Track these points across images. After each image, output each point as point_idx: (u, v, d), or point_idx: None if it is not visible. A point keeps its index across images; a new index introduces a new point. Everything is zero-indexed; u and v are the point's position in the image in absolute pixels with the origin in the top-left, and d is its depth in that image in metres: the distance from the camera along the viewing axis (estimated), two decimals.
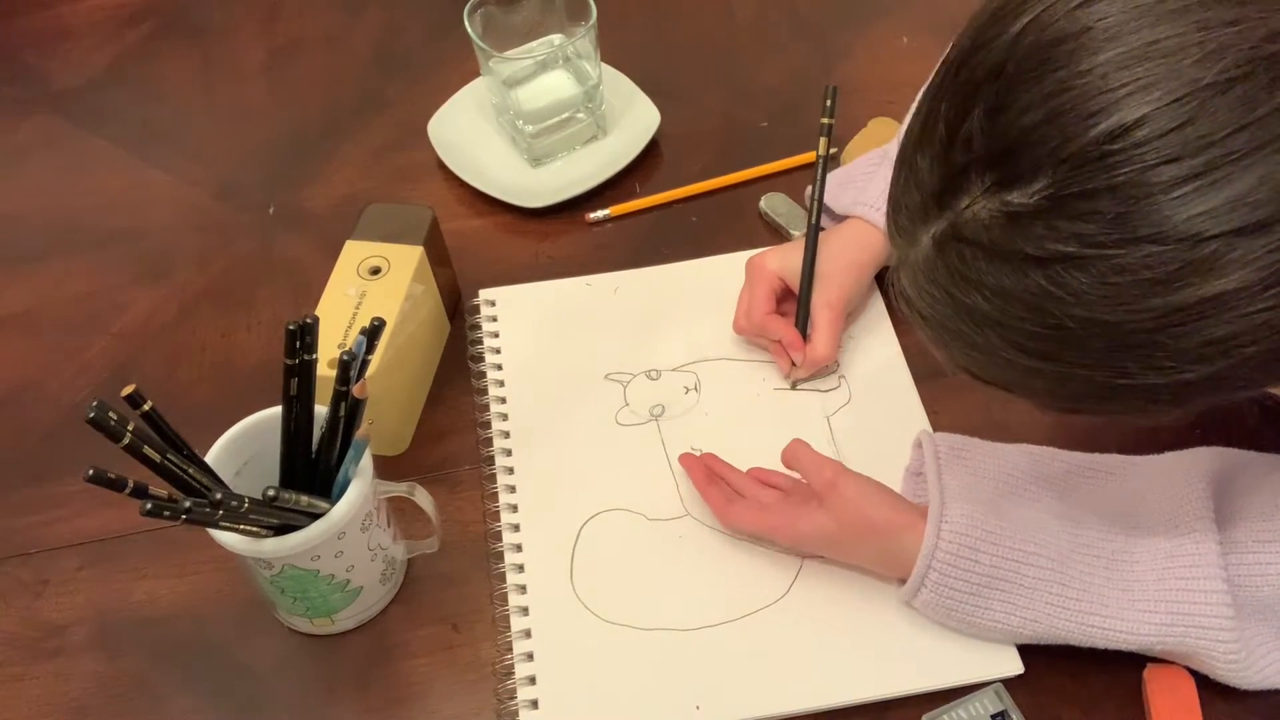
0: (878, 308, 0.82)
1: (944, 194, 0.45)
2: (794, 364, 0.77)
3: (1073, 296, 0.43)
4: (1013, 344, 0.46)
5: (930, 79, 0.48)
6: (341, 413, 0.63)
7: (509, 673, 0.67)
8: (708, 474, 0.72)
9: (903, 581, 0.64)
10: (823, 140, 0.81)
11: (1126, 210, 0.40)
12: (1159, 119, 0.40)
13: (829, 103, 0.82)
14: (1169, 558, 0.59)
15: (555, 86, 0.91)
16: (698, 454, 0.74)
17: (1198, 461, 0.63)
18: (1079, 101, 0.41)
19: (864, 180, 0.81)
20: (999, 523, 0.62)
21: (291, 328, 0.60)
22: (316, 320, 0.61)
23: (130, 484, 0.56)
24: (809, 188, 0.82)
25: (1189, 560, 0.59)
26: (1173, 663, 0.63)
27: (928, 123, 0.46)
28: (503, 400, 0.79)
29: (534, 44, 0.92)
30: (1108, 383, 0.45)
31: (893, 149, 0.82)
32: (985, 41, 0.44)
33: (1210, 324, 0.42)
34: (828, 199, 0.81)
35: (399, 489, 0.67)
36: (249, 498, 0.58)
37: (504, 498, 0.74)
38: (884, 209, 0.76)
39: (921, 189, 0.47)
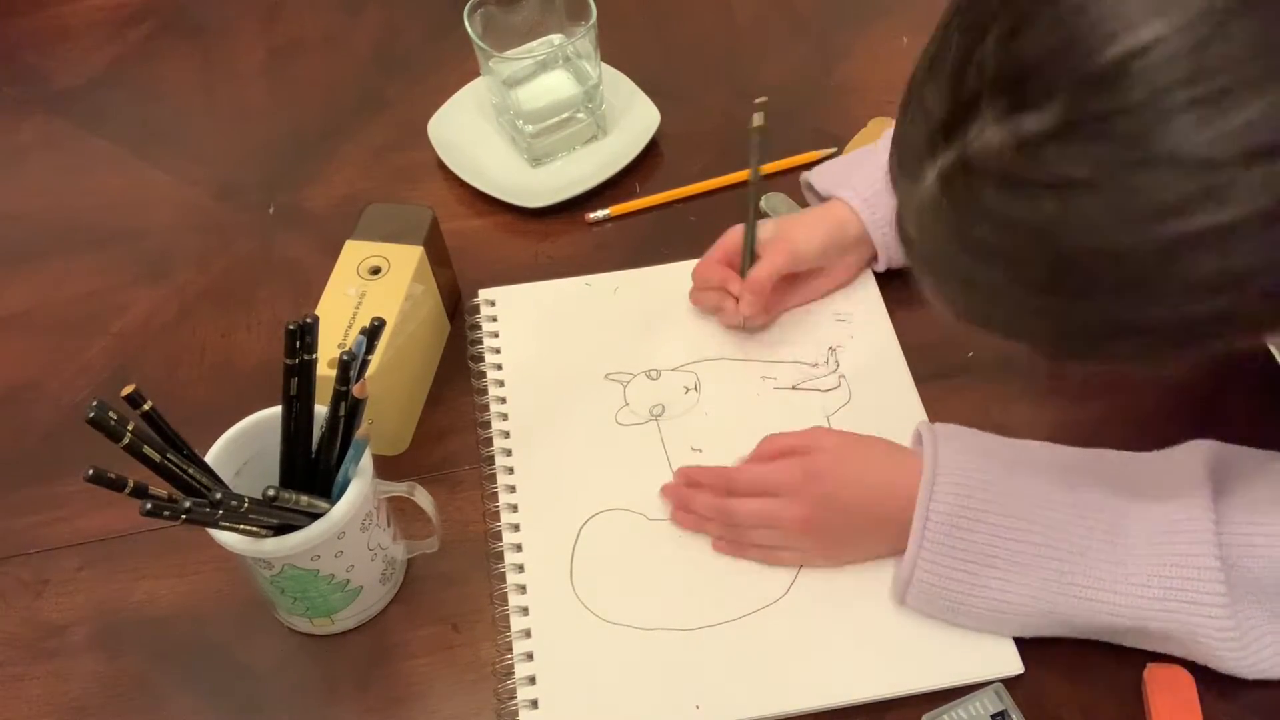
0: (878, 309, 0.82)
1: (952, 124, 0.45)
2: (738, 302, 0.77)
3: (1084, 224, 0.42)
4: (1018, 279, 0.45)
5: (942, 15, 0.47)
6: (341, 413, 0.63)
7: (509, 673, 0.67)
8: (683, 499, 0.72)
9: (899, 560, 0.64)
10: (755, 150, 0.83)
11: (1142, 131, 0.40)
12: (1175, 41, 0.39)
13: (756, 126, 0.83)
14: (1164, 532, 0.60)
15: (555, 86, 0.91)
16: (699, 453, 0.74)
17: (1197, 449, 0.64)
18: (1095, 23, 0.40)
19: (851, 168, 0.82)
20: (994, 492, 0.62)
21: (291, 328, 0.60)
22: (316, 320, 0.61)
23: (130, 484, 0.56)
24: (802, 174, 0.85)
25: (1184, 534, 0.59)
26: (1173, 662, 0.63)
27: (939, 53, 0.46)
28: (503, 400, 0.79)
29: (534, 44, 0.92)
30: (1113, 319, 0.45)
31: (883, 143, 0.82)
32: None
33: (1222, 253, 0.41)
34: (815, 182, 0.84)
35: (399, 489, 0.67)
36: (249, 497, 0.58)
37: (504, 498, 0.74)
38: (866, 195, 0.78)
39: (929, 121, 0.46)
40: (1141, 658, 0.64)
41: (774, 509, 0.68)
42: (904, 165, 0.49)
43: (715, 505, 0.70)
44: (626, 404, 0.78)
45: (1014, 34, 0.42)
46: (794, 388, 0.78)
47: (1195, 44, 0.39)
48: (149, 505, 0.55)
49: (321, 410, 0.64)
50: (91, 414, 0.54)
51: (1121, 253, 0.42)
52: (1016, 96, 0.42)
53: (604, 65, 0.94)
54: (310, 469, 0.65)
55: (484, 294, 0.85)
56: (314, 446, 0.65)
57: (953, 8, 0.46)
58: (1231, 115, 0.39)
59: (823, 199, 0.82)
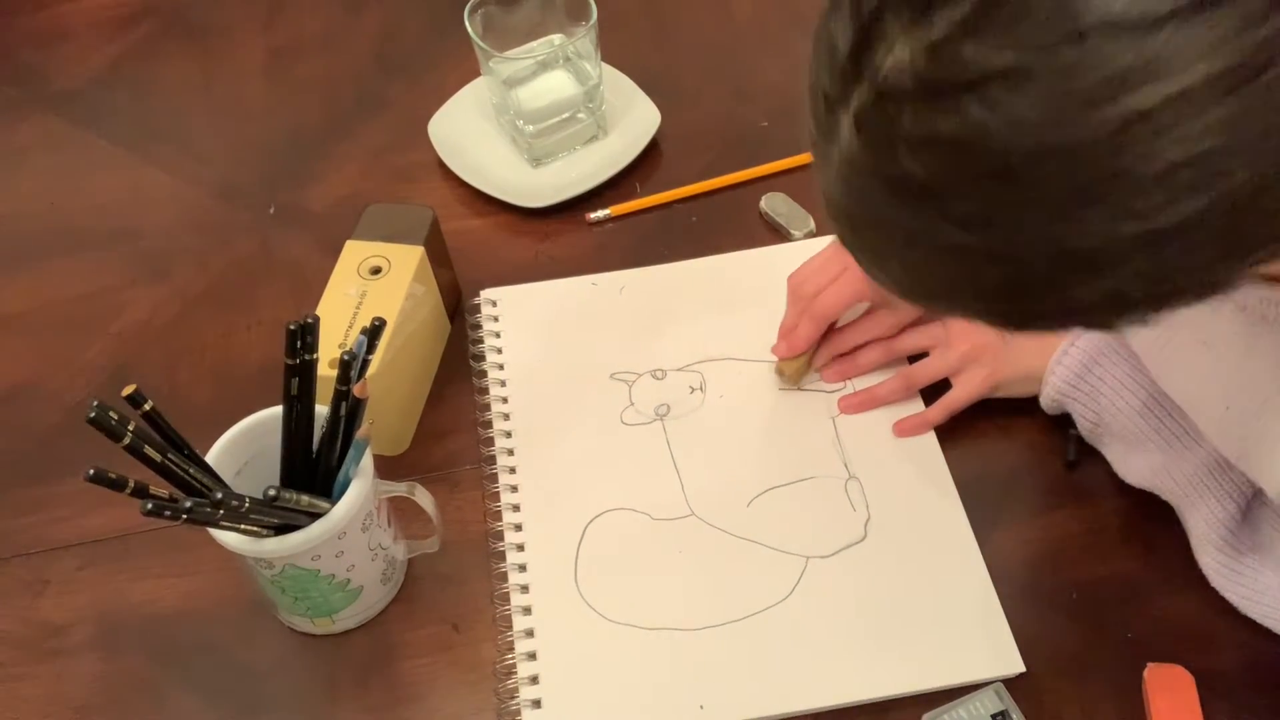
0: None
1: (859, 51, 0.40)
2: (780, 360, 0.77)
3: (1015, 122, 0.36)
4: (953, 219, 0.39)
5: None
6: (342, 413, 0.63)
7: (510, 672, 0.67)
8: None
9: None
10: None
11: (1062, 2, 0.35)
12: None
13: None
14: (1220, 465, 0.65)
15: (555, 86, 0.91)
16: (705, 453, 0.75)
17: None
18: None
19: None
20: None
21: (292, 328, 0.60)
22: (317, 320, 0.61)
23: (131, 484, 0.56)
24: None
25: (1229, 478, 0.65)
26: (1173, 663, 0.63)
27: None
28: (504, 400, 0.79)
29: (534, 44, 0.92)
30: (1073, 250, 0.38)
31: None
32: None
33: (1179, 136, 0.35)
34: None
35: (399, 489, 0.67)
36: (249, 497, 0.58)
37: (506, 497, 0.74)
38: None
39: (835, 59, 0.42)
40: (1141, 658, 0.64)
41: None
42: (818, 120, 0.44)
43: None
44: (632, 404, 0.78)
45: None
46: (799, 388, 0.78)
47: None
48: (150, 505, 0.55)
49: (322, 410, 0.64)
50: (92, 414, 0.54)
51: (1065, 149, 0.36)
52: (921, 1, 0.38)
53: (604, 65, 0.94)
54: (311, 469, 0.65)
55: (485, 294, 0.85)
56: (314, 446, 0.65)
57: None
58: None
59: None
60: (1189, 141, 0.35)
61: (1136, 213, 0.37)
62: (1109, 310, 0.41)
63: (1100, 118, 0.35)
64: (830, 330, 0.77)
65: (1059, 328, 0.44)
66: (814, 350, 0.77)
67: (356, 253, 0.77)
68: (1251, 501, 0.65)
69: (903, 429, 0.75)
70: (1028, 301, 0.42)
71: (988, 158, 0.37)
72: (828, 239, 0.86)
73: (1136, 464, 0.69)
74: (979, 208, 0.39)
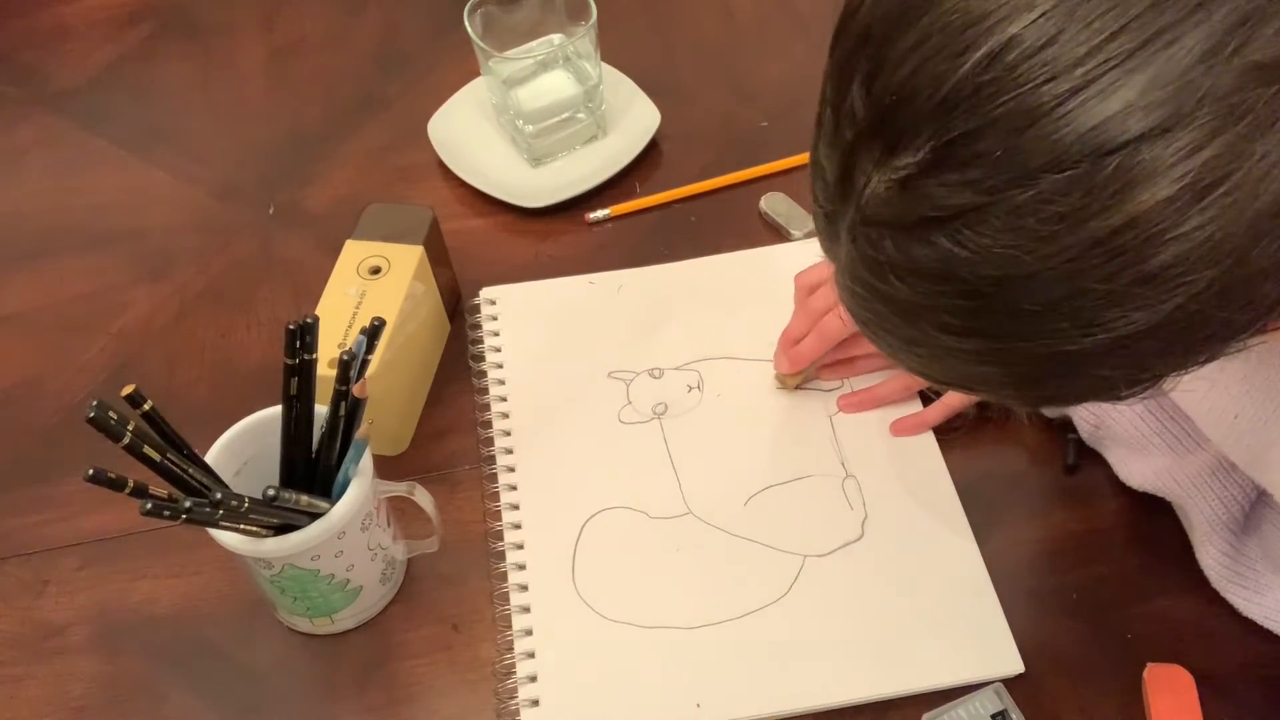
0: None
1: (844, 180, 0.42)
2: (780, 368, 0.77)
3: (981, 255, 0.38)
4: (944, 328, 0.42)
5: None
6: (341, 412, 0.63)
7: (509, 672, 0.67)
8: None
9: None
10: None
11: (1012, 144, 0.37)
12: (1026, 38, 0.36)
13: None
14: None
15: (555, 86, 0.91)
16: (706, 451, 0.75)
17: None
18: (946, 41, 0.38)
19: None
20: None
21: (291, 327, 0.60)
22: (316, 320, 0.61)
23: (130, 484, 0.56)
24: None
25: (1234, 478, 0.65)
26: (1173, 663, 0.63)
27: (820, 111, 0.44)
28: (503, 399, 0.79)
29: (534, 44, 0.92)
30: (1053, 353, 0.40)
31: None
32: (851, 10, 0.42)
33: (1138, 255, 0.37)
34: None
35: (399, 489, 0.67)
36: (249, 497, 0.58)
37: (505, 497, 0.74)
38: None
39: (827, 182, 0.44)
40: (1142, 658, 0.64)
41: None
42: (821, 231, 0.46)
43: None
44: (629, 402, 0.78)
45: (873, 75, 0.40)
46: (796, 387, 0.78)
47: (1049, 35, 0.36)
48: (149, 505, 0.55)
49: (321, 410, 0.64)
50: (91, 414, 0.54)
51: (1029, 277, 0.38)
52: (888, 139, 0.40)
53: (604, 65, 0.94)
54: (310, 469, 0.65)
55: (485, 293, 0.85)
56: (314, 446, 0.65)
57: (827, 62, 0.44)
58: (1106, 100, 0.36)
59: None
60: (1146, 261, 0.37)
61: (1105, 323, 0.39)
62: (1106, 392, 0.43)
63: (1060, 247, 0.37)
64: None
65: (1070, 405, 0.47)
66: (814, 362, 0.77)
67: (356, 252, 0.77)
68: (1254, 503, 0.65)
69: (900, 429, 0.75)
70: (1029, 391, 0.45)
71: (963, 283, 0.40)
72: None
73: (1139, 466, 0.69)
74: (963, 321, 0.41)
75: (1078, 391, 0.44)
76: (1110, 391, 0.43)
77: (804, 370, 0.76)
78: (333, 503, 0.62)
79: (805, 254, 0.80)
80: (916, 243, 0.40)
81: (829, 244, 0.46)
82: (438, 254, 0.81)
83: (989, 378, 0.44)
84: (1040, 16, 0.36)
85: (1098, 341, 0.39)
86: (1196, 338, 0.40)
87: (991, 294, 0.39)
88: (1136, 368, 0.41)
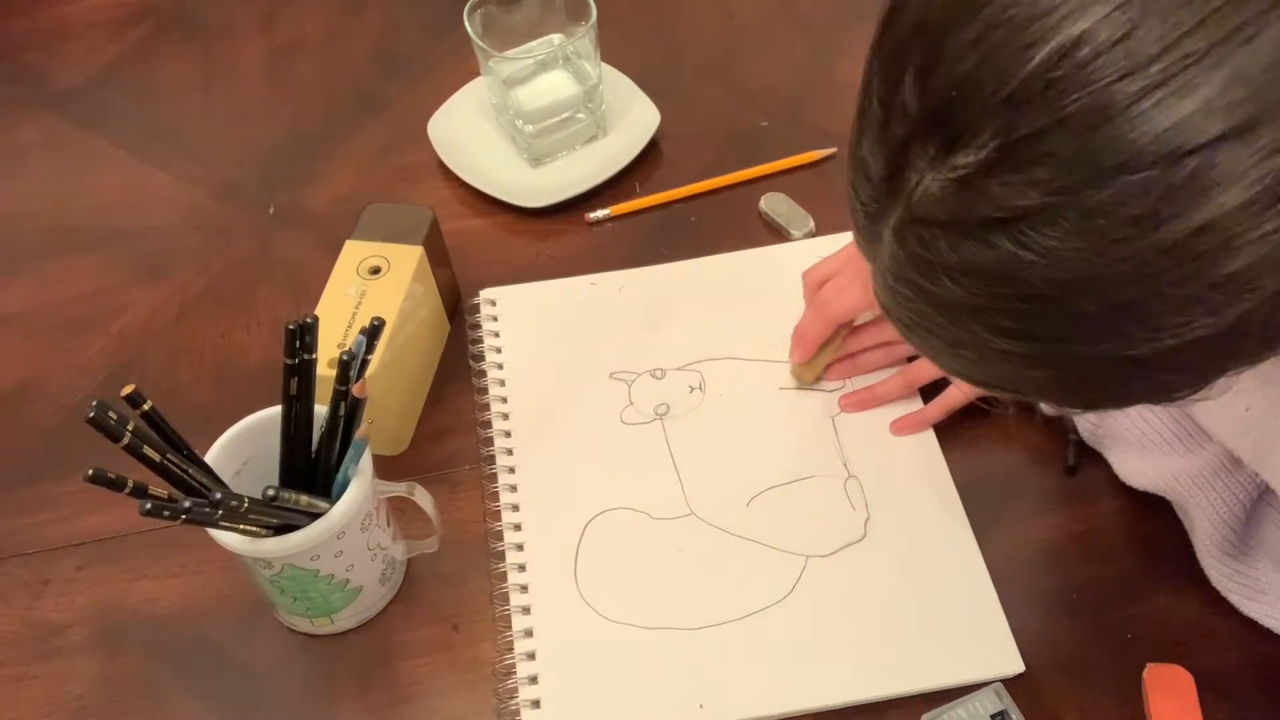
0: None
1: (892, 178, 0.41)
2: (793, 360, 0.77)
3: (1046, 257, 0.37)
4: (998, 330, 0.40)
5: (864, 66, 0.44)
6: (341, 412, 0.63)
7: (510, 672, 0.67)
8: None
9: None
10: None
11: (1084, 143, 0.35)
12: (1100, 33, 0.34)
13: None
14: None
15: (555, 86, 0.91)
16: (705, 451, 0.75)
17: None
18: (1011, 35, 0.36)
19: None
20: None
21: (291, 327, 0.60)
22: (316, 320, 0.61)
23: (130, 484, 0.56)
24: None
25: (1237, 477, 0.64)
26: (1173, 663, 0.63)
27: (863, 105, 0.42)
28: (504, 400, 0.79)
29: (534, 44, 0.92)
30: (1114, 357, 0.39)
31: None
32: (904, 2, 0.40)
33: (1213, 259, 0.35)
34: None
35: (399, 489, 0.67)
36: (249, 497, 0.58)
37: (505, 497, 0.74)
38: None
39: (871, 180, 0.42)
40: (1141, 658, 0.64)
41: None
42: (861, 229, 0.45)
43: None
44: (631, 403, 0.78)
45: (929, 69, 0.39)
46: (798, 387, 0.78)
47: (1124, 30, 0.34)
48: (149, 505, 0.55)
49: (321, 410, 0.64)
50: (91, 414, 0.54)
51: (1097, 280, 0.37)
52: (945, 136, 0.38)
53: (604, 65, 0.94)
54: (310, 469, 0.65)
55: (485, 294, 0.85)
56: (314, 446, 0.65)
57: (870, 54, 0.43)
58: (1183, 99, 0.34)
59: None
60: (1220, 266, 0.36)
61: (1174, 327, 0.37)
62: (1162, 395, 0.42)
63: (1132, 251, 0.36)
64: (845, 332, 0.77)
65: (1122, 407, 0.46)
66: (833, 350, 0.76)
67: (356, 252, 0.77)
68: (1255, 502, 0.65)
69: (900, 427, 0.75)
70: (1081, 394, 0.44)
71: (1024, 286, 0.38)
72: (829, 239, 0.86)
73: (1139, 466, 0.69)
74: (1020, 324, 0.40)
75: (1133, 395, 0.43)
76: (1166, 394, 0.42)
77: (819, 360, 0.76)
78: (333, 503, 0.62)
79: (805, 254, 0.80)
80: (974, 243, 0.39)
81: (868, 243, 0.44)
82: (438, 254, 0.81)
83: (1040, 381, 0.43)
84: (1114, 10, 0.35)
85: (1161, 347, 0.38)
86: (1263, 340, 0.39)
87: (1054, 297, 0.38)
88: (1197, 372, 0.40)
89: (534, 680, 0.66)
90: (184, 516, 0.55)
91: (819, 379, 0.78)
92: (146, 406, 0.59)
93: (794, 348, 0.77)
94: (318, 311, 0.72)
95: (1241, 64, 0.34)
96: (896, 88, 0.40)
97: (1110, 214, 0.36)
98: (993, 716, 0.62)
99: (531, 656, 0.67)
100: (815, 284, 0.76)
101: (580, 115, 0.92)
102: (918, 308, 0.43)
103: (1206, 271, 0.36)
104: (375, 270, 0.76)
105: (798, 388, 0.78)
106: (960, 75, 0.37)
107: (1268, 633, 0.64)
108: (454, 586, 0.71)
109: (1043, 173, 0.36)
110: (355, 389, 0.61)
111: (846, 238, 0.81)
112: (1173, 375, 0.40)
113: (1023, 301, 0.39)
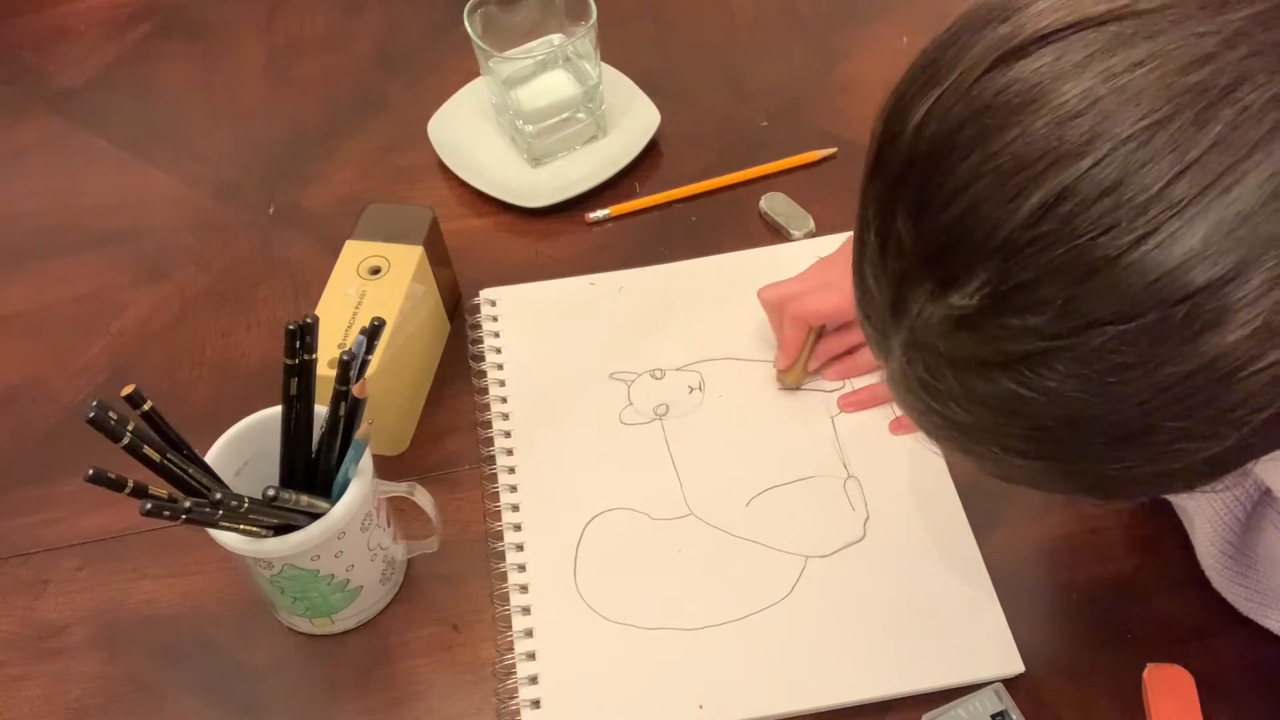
0: None
1: (895, 303, 0.42)
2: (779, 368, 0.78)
3: (1046, 396, 0.38)
4: (1006, 449, 0.41)
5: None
6: (341, 413, 0.63)
7: (510, 672, 0.67)
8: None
9: None
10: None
11: (1074, 293, 0.36)
12: (1084, 187, 0.35)
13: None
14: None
15: (555, 86, 0.91)
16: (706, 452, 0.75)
17: None
18: (996, 186, 0.37)
19: None
20: None
21: (291, 328, 0.60)
22: (316, 320, 0.61)
23: (130, 484, 0.56)
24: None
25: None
26: (1173, 663, 0.63)
27: (861, 232, 0.43)
28: (504, 400, 0.79)
29: (534, 44, 0.92)
30: (1119, 475, 0.40)
31: None
32: (891, 139, 0.41)
33: (1212, 396, 0.36)
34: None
35: (399, 489, 0.67)
36: (249, 497, 0.58)
37: (505, 497, 0.74)
38: None
39: (875, 300, 0.43)
40: (1142, 658, 0.64)
41: None
42: (872, 339, 0.45)
43: None
44: (631, 403, 0.78)
45: (920, 210, 0.39)
46: (798, 387, 0.78)
47: (1108, 184, 0.35)
48: (149, 505, 0.55)
49: (321, 410, 0.64)
50: (91, 414, 0.54)
51: (1097, 418, 0.38)
52: (940, 275, 0.39)
53: (604, 65, 0.94)
54: (310, 469, 0.65)
55: (485, 294, 0.85)
56: (314, 446, 0.65)
57: (864, 183, 0.43)
58: (1168, 250, 0.34)
59: None
60: (1219, 399, 0.36)
61: (1172, 453, 0.38)
62: (1184, 488, 0.43)
63: (1128, 393, 0.37)
64: (827, 334, 0.77)
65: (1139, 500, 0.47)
66: (808, 353, 0.76)
67: (356, 253, 0.77)
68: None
69: (900, 427, 0.75)
70: (1096, 496, 0.45)
71: (1028, 419, 0.39)
72: (829, 238, 0.86)
73: None
74: (1030, 448, 0.41)
75: (1149, 493, 0.45)
76: (1186, 488, 0.43)
77: (799, 364, 0.76)
78: (333, 503, 0.62)
79: (805, 254, 0.80)
80: (977, 378, 0.39)
81: (880, 352, 0.45)
82: (438, 254, 0.81)
83: (1054, 487, 0.44)
84: (1095, 165, 0.35)
85: (1169, 469, 0.40)
86: (1268, 446, 0.40)
87: (1060, 432, 0.39)
88: (1207, 478, 0.41)
89: (534, 680, 0.66)
90: (184, 516, 0.55)
91: (803, 380, 0.78)
92: (146, 406, 0.59)
93: (777, 354, 0.77)
94: (318, 311, 0.72)
95: (1223, 212, 0.34)
96: (889, 221, 0.41)
97: (1105, 360, 0.36)
98: (993, 716, 0.62)
99: (531, 656, 0.67)
100: (774, 304, 0.76)
101: (580, 115, 0.92)
102: (930, 419, 0.44)
103: (1207, 405, 0.37)
104: (375, 270, 0.76)
105: (781, 387, 0.78)
106: (949, 221, 0.38)
107: (1268, 633, 0.64)
108: (454, 586, 0.71)
109: (1035, 320, 0.37)
110: (355, 389, 0.61)
111: (847, 237, 0.81)
112: (1184, 482, 0.42)
113: (1029, 429, 0.40)
